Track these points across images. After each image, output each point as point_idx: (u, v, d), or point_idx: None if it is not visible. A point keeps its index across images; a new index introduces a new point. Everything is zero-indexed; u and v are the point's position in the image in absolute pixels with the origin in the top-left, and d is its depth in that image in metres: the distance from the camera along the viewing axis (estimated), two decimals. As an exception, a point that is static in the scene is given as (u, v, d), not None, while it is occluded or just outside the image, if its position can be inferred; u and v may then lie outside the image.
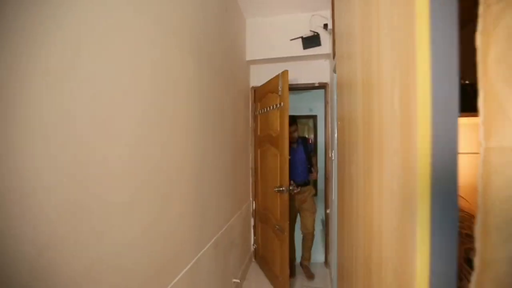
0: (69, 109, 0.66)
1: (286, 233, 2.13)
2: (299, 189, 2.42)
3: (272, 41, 2.60)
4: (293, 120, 2.45)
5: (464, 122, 0.48)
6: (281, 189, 2.16)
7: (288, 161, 2.12)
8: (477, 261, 0.36)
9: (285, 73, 2.13)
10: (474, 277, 0.37)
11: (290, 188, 2.20)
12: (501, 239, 0.36)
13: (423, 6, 0.36)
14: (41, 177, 0.59)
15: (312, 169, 2.61)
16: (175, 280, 1.16)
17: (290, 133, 2.29)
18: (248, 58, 2.65)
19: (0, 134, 0.51)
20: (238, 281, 2.13)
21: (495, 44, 0.36)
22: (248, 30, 2.64)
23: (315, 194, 2.73)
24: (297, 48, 2.51)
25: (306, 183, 2.55)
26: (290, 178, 2.28)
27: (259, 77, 2.79)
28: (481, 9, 0.35)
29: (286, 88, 2.11)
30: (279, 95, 2.19)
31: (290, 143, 2.36)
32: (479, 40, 0.35)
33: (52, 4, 0.62)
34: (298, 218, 2.62)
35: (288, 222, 2.13)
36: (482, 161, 0.35)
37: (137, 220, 0.92)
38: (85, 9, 0.71)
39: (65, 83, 0.65)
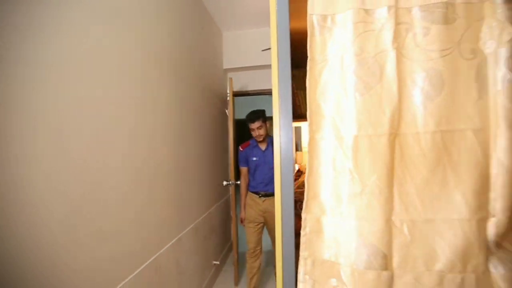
0: (74, 122, 0.95)
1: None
2: (263, 200, 2.03)
3: (246, 51, 2.92)
4: (258, 115, 2.00)
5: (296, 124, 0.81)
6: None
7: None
8: (303, 223, 0.69)
9: (230, 80, 2.45)
10: (302, 235, 0.69)
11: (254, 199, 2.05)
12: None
13: (275, 64, 0.69)
14: (60, 176, 0.88)
15: None
16: (160, 252, 1.46)
17: (253, 130, 2.03)
18: (225, 66, 2.96)
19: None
20: (218, 263, 2.44)
21: (319, 86, 0.69)
22: (224, 41, 2.95)
23: None
24: (268, 57, 2.84)
25: (271, 194, 2.04)
26: (253, 188, 2.09)
27: (236, 83, 3.12)
28: (308, 66, 0.68)
29: (231, 94, 2.43)
30: (227, 101, 2.46)
31: (258, 142, 2.09)
32: (308, 83, 0.68)
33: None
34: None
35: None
36: (310, 148, 0.68)
37: (132, 204, 1.22)
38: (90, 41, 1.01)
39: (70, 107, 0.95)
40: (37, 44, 0.80)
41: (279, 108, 0.69)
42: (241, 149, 2.15)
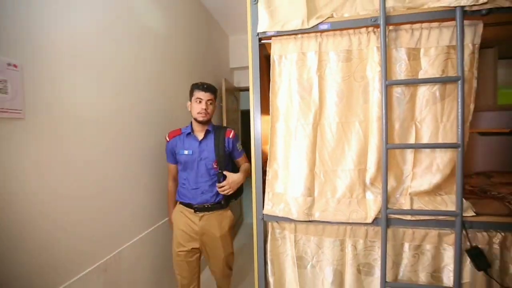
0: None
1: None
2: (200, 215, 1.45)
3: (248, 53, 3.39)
4: (212, 87, 1.48)
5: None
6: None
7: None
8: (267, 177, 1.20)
9: (223, 80, 2.92)
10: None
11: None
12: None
13: (251, 83, 1.19)
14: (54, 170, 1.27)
15: (225, 174, 1.45)
16: (144, 233, 1.68)
17: (198, 101, 1.44)
18: (231, 66, 3.45)
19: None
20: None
21: (278, 96, 1.19)
22: (230, 44, 3.43)
23: (233, 226, 1.58)
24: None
25: (212, 207, 1.47)
26: (183, 196, 1.49)
27: (238, 78, 3.61)
28: (271, 84, 1.18)
29: (223, 92, 2.88)
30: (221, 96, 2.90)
31: (193, 129, 1.50)
32: (271, 94, 1.18)
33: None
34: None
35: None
36: (271, 131, 1.19)
37: (120, 189, 1.40)
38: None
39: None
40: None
41: (253, 105, 1.19)
42: (167, 138, 1.52)
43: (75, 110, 1.12)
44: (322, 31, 1.08)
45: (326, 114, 1.12)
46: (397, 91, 1.05)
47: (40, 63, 0.98)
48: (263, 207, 1.19)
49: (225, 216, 1.52)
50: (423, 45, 1.03)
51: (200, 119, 1.44)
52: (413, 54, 1.04)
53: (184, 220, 1.48)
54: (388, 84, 1.01)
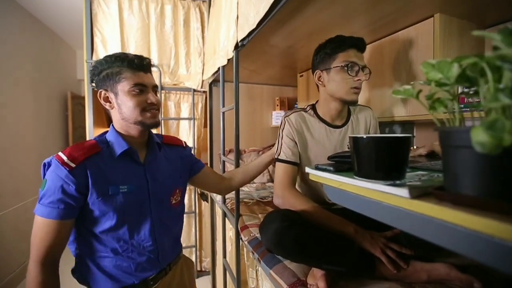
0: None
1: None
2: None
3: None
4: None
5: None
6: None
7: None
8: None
9: (68, 93, 3.54)
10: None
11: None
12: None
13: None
14: None
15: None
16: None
17: (139, 93, 0.76)
18: (79, 77, 3.84)
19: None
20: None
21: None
22: (78, 57, 3.81)
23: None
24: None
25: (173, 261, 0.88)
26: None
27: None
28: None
29: (69, 103, 3.52)
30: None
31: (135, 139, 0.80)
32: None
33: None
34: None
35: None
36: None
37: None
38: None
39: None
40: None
41: (88, 118, 2.02)
42: (69, 162, 0.67)
43: None
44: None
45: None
46: (169, 122, 2.20)
47: None
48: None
49: (189, 263, 1.00)
50: (181, 101, 2.23)
51: (151, 122, 0.78)
52: (178, 104, 2.22)
53: None
54: (163, 119, 2.13)
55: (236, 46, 1.11)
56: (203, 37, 2.19)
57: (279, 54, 1.42)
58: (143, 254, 0.77)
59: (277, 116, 2.16)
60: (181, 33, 2.15)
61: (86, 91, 1.96)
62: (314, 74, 0.97)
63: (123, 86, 0.74)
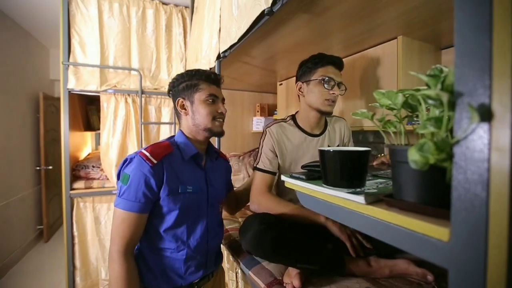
0: None
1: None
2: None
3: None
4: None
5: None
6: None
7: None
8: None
9: (40, 94, 3.43)
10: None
11: None
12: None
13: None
14: None
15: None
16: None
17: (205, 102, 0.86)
18: (51, 77, 3.67)
19: None
20: (42, 227, 3.25)
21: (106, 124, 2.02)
22: (51, 57, 3.65)
23: None
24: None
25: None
26: (177, 273, 0.81)
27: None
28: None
29: (41, 103, 3.41)
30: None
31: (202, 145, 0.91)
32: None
33: None
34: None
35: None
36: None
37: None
38: None
39: None
40: None
41: (64, 125, 1.96)
42: (153, 160, 0.76)
43: None
44: (111, 93, 2.04)
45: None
46: (150, 126, 2.18)
47: None
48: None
49: (223, 272, 1.04)
50: (162, 105, 2.22)
51: (218, 130, 0.87)
52: (158, 108, 2.21)
53: None
54: (143, 123, 2.12)
55: (218, 57, 1.16)
56: (185, 43, 2.21)
57: (259, 64, 1.49)
58: (194, 258, 0.83)
59: (257, 122, 2.22)
60: (163, 38, 2.15)
61: (62, 93, 1.91)
62: (296, 85, 1.05)
63: (200, 95, 0.85)
